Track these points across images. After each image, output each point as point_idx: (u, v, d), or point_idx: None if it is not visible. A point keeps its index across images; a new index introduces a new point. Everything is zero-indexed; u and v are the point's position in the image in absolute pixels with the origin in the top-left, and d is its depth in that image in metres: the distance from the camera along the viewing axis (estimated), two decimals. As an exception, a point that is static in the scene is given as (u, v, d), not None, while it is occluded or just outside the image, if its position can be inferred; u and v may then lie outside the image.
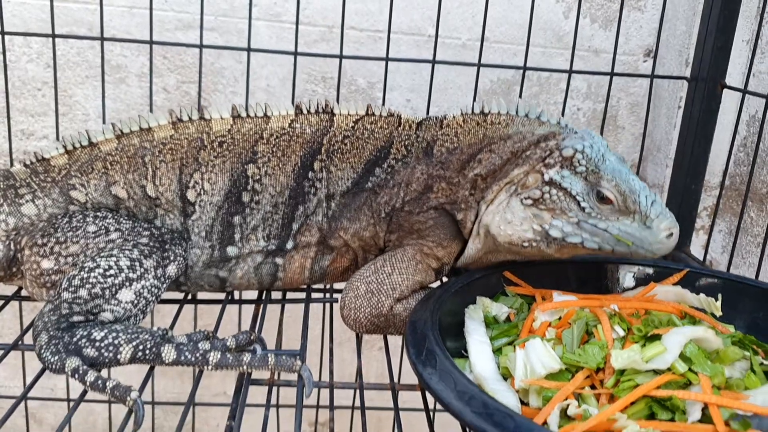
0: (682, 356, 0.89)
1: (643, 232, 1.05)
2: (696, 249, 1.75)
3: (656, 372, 0.87)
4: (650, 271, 1.19)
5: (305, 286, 1.26)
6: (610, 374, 0.87)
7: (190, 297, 1.23)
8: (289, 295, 1.25)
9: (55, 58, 1.48)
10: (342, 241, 1.19)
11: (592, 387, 0.89)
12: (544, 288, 1.14)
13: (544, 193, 1.08)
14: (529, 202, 1.09)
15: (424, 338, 0.91)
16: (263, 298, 1.22)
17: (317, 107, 1.20)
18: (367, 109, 1.20)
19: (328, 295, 1.28)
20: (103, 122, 1.52)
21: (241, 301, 1.25)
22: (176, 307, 1.20)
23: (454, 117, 1.19)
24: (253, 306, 1.20)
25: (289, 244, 1.18)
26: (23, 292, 1.20)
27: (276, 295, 1.25)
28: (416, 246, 1.17)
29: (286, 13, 1.82)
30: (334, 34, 1.83)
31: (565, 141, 1.10)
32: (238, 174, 1.16)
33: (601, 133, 1.62)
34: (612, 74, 1.54)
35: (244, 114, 1.19)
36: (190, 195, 1.15)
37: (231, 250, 1.17)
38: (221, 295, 1.24)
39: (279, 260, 1.18)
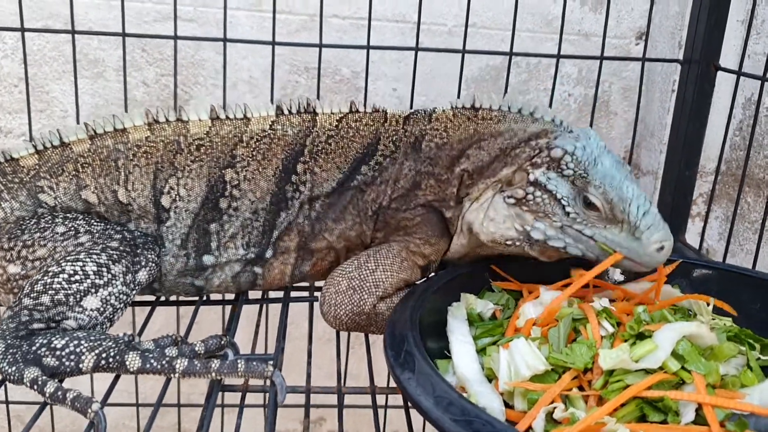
0: (675, 354, 0.84)
1: (632, 243, 1.01)
2: (692, 236, 1.70)
3: (647, 371, 0.83)
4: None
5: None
6: (599, 375, 0.83)
7: (163, 299, 1.18)
8: (269, 294, 1.21)
9: (25, 53, 1.43)
10: (326, 242, 1.14)
11: (581, 388, 0.84)
12: (532, 282, 1.10)
13: (528, 193, 1.04)
14: (512, 201, 1.05)
15: (403, 340, 0.86)
16: (240, 298, 1.17)
17: (299, 107, 1.15)
18: (351, 106, 1.15)
19: (308, 293, 1.23)
20: (77, 121, 1.47)
21: (215, 302, 1.20)
22: (168, 309, 1.15)
23: (443, 111, 1.14)
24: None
25: (269, 253, 1.13)
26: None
27: (256, 294, 1.20)
28: (402, 243, 1.13)
29: (266, 2, 1.77)
30: (315, 22, 1.77)
31: (556, 140, 1.06)
32: (215, 179, 1.11)
33: (592, 119, 1.57)
34: (602, 58, 1.49)
35: (223, 115, 1.13)
36: (165, 201, 1.10)
37: (207, 259, 1.12)
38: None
39: (258, 269, 1.14)
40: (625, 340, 0.88)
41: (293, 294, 1.21)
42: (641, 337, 0.88)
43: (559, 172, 1.03)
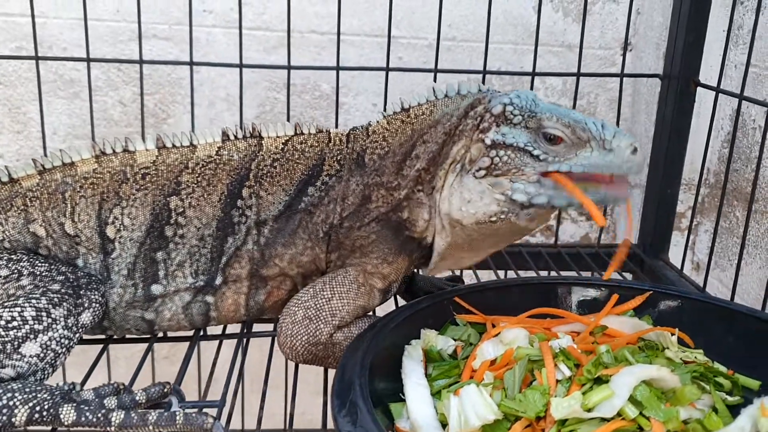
0: (633, 399, 0.81)
1: (606, 157, 0.98)
2: (681, 250, 1.66)
3: (604, 419, 0.80)
4: (600, 294, 1.12)
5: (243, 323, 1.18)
6: (551, 424, 0.79)
7: (115, 337, 1.15)
8: (230, 329, 1.17)
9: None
10: (277, 269, 1.12)
11: (534, 436, 0.81)
12: (497, 315, 1.07)
13: (492, 158, 1.01)
14: (482, 173, 1.01)
15: (350, 387, 0.83)
16: (196, 334, 1.14)
17: (245, 132, 1.13)
18: (296, 129, 1.14)
19: (273, 328, 1.18)
20: (44, 146, 1.45)
21: (170, 339, 1.17)
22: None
23: (378, 122, 1.13)
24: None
25: (218, 279, 1.11)
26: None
27: (216, 330, 1.17)
28: (359, 266, 1.11)
29: (243, 20, 1.74)
30: (294, 39, 1.75)
31: (491, 102, 1.04)
32: (160, 207, 1.09)
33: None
34: (579, 75, 1.46)
35: (170, 144, 1.12)
36: (110, 231, 1.09)
37: (156, 288, 1.09)
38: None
39: (209, 298, 1.11)
40: (583, 385, 0.84)
41: (256, 328, 1.18)
42: (599, 381, 0.85)
43: (509, 124, 1.01)
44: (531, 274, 1.49)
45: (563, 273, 1.47)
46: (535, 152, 0.99)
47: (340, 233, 1.10)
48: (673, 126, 1.43)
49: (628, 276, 1.52)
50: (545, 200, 0.99)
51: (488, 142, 1.01)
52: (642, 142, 1.80)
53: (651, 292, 1.09)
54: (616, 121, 1.52)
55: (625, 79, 1.49)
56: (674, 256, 1.60)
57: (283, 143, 1.13)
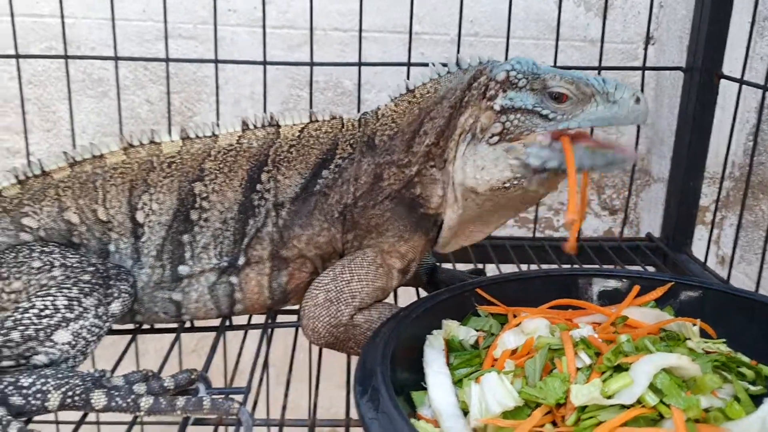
0: (653, 387, 0.81)
1: (612, 109, 1.01)
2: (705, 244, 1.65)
3: (624, 406, 0.80)
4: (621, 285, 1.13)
5: (269, 311, 1.21)
6: (572, 410, 0.80)
7: (144, 326, 1.18)
8: (255, 319, 1.20)
9: (20, 78, 1.45)
10: (296, 250, 1.15)
11: (555, 423, 0.82)
12: (519, 306, 1.07)
13: (503, 123, 1.04)
14: (495, 139, 1.04)
15: (372, 375, 0.85)
16: (222, 324, 1.17)
17: (263, 121, 1.18)
18: (311, 117, 1.18)
19: (297, 318, 1.21)
20: (73, 143, 1.48)
21: (197, 329, 1.19)
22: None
23: (386, 105, 1.17)
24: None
25: (241, 260, 1.15)
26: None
27: (241, 320, 1.20)
28: (376, 247, 1.14)
29: (267, 18, 1.76)
30: (317, 36, 1.77)
31: (492, 71, 1.07)
32: (185, 193, 1.14)
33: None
34: (600, 68, 1.46)
35: (193, 135, 1.17)
36: (139, 216, 1.14)
37: (182, 269, 1.14)
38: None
39: (234, 279, 1.15)
40: (603, 373, 0.85)
41: (280, 320, 1.21)
42: (619, 369, 0.85)
43: (515, 88, 1.04)
44: (553, 267, 1.49)
45: (585, 266, 1.47)
46: (544, 112, 1.02)
47: (354, 212, 1.14)
48: (695, 119, 1.43)
49: (651, 269, 1.51)
50: (557, 164, 1.02)
51: (497, 108, 1.04)
52: (665, 136, 1.80)
53: (672, 282, 1.09)
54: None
55: (648, 73, 1.49)
56: (699, 250, 1.60)
57: (299, 130, 1.17)
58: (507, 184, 1.04)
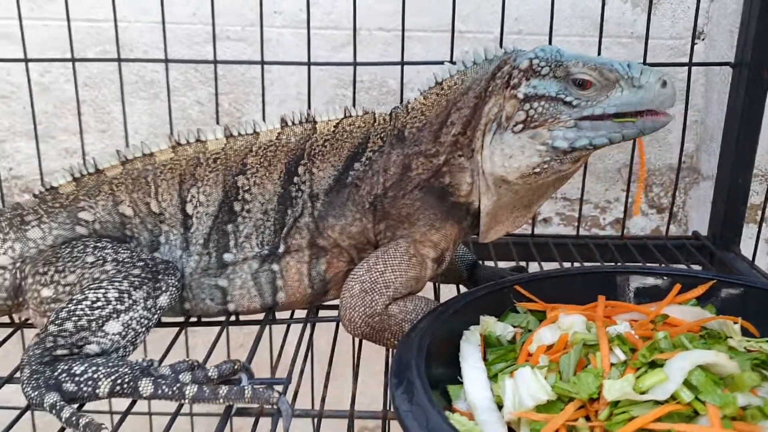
0: (689, 384, 0.81)
1: (638, 93, 1.00)
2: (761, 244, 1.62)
3: (658, 402, 0.80)
4: (661, 282, 1.12)
5: (310, 305, 1.24)
6: (605, 405, 0.80)
7: (192, 317, 1.23)
8: (297, 314, 1.24)
9: (76, 81, 1.52)
10: (331, 240, 1.19)
11: (588, 418, 0.82)
12: (557, 303, 1.07)
13: (527, 111, 1.04)
14: (519, 127, 1.05)
15: (408, 367, 0.86)
16: (267, 317, 1.21)
17: (301, 118, 1.23)
18: (345, 112, 1.23)
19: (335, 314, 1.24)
20: (126, 143, 1.54)
21: (242, 323, 1.23)
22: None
23: (415, 99, 1.19)
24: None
25: (281, 248, 1.19)
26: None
27: (285, 315, 1.23)
28: (408, 237, 1.16)
29: (311, 19, 1.79)
30: (361, 36, 1.79)
31: (516, 60, 1.08)
32: (229, 186, 1.20)
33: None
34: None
35: (236, 133, 1.23)
36: (189, 208, 1.20)
37: (227, 257, 1.19)
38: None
39: (275, 266, 1.20)
40: (637, 369, 0.85)
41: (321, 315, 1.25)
42: (654, 365, 0.85)
43: (538, 76, 1.04)
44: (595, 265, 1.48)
45: (626, 264, 1.46)
46: (568, 99, 1.03)
47: (385, 203, 1.17)
48: (744, 115, 1.40)
49: (697, 268, 1.49)
50: (586, 142, 1.03)
51: (521, 96, 1.05)
52: (715, 132, 1.76)
53: (714, 281, 1.07)
54: (684, 111, 1.50)
55: (698, 69, 1.46)
56: (749, 248, 1.56)
57: (334, 125, 1.22)
58: (537, 169, 1.05)
